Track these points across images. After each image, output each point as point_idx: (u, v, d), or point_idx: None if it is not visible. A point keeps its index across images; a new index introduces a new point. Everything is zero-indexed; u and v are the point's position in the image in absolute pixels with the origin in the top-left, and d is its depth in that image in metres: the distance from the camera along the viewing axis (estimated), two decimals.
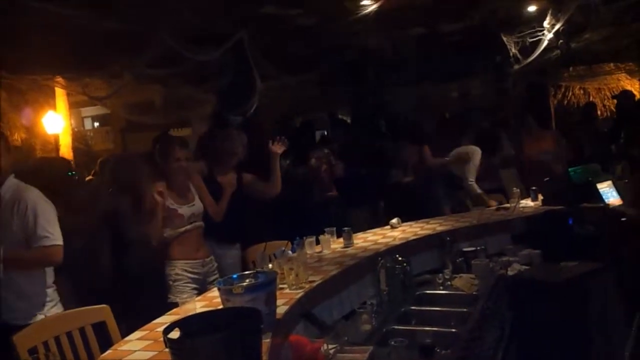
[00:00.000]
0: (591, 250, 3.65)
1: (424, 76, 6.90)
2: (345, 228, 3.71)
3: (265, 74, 4.93)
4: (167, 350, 1.53)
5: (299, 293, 2.59)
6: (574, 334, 2.99)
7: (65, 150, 8.51)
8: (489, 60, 5.92)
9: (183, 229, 3.52)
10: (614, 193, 4.22)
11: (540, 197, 4.54)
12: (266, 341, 1.98)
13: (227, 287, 2.07)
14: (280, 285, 2.70)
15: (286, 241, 3.69)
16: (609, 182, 4.27)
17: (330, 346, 2.33)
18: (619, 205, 4.18)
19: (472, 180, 5.20)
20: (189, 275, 3.48)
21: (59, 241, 2.82)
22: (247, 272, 2.31)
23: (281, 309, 2.35)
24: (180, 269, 3.46)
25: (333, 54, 6.16)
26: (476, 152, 5.28)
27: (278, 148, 4.01)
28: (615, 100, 7.88)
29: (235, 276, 2.25)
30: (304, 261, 2.97)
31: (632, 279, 3.52)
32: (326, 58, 5.98)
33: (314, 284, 2.74)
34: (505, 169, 5.88)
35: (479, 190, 5.21)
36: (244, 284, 2.12)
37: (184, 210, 3.54)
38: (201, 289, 3.45)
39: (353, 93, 7.44)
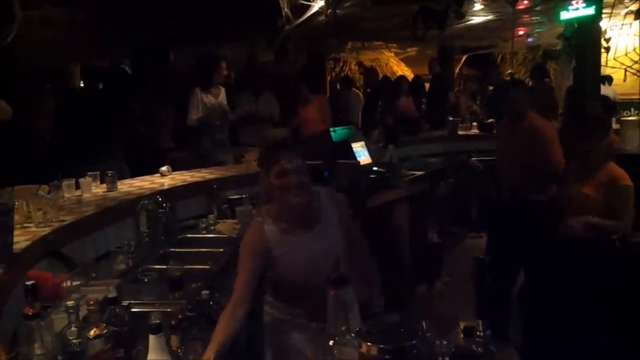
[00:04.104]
0: None
1: (206, 35, 6.84)
2: (109, 172, 3.59)
3: (30, 3, 4.43)
4: None
5: (46, 230, 2.47)
6: None
7: None
8: (270, 23, 6.11)
9: None
10: (366, 153, 4.77)
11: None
12: None
13: None
14: (27, 224, 2.57)
15: (42, 185, 3.45)
16: (362, 143, 4.81)
17: (75, 282, 2.29)
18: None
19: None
20: None
21: None
22: None
23: (22, 244, 2.23)
24: None
25: None
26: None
27: None
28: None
29: None
30: (56, 201, 2.84)
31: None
32: None
33: (65, 223, 2.63)
34: (278, 128, 6.23)
35: None
36: None
37: None
38: None
39: (134, 41, 7.07)
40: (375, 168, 4.72)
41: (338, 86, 10.08)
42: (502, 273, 4.10)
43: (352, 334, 1.13)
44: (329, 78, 11.78)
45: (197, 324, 2.08)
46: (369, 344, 1.09)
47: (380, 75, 10.99)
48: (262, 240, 2.22)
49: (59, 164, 4.20)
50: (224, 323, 2.00)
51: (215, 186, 3.88)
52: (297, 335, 2.29)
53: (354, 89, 9.27)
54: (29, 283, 1.54)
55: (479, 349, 1.17)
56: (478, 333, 1.17)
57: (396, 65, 13.02)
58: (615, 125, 5.81)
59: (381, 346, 1.08)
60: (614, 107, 5.94)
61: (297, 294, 2.29)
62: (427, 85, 8.79)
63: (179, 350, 1.86)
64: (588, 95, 6.37)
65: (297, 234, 2.25)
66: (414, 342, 1.09)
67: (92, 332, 1.57)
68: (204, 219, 3.58)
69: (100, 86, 5.70)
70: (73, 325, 1.61)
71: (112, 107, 5.14)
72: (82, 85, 8.30)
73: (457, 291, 4.74)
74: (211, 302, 2.26)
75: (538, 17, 8.86)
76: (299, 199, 2.18)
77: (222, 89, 5.32)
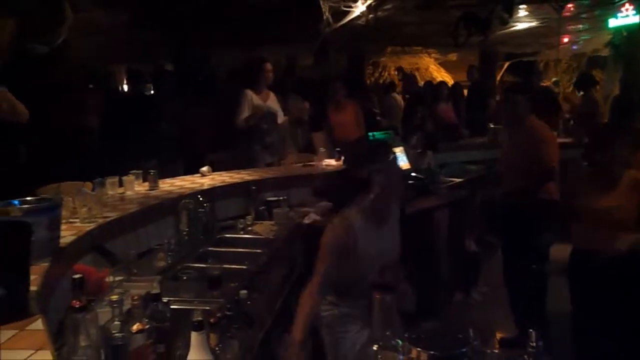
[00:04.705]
0: None
1: (248, 38, 6.90)
2: (151, 171, 3.66)
3: (77, 6, 4.57)
4: None
5: (90, 226, 2.53)
6: None
7: None
8: (311, 27, 6.13)
9: None
10: (404, 158, 4.73)
11: (342, 157, 4.92)
12: (44, 265, 1.94)
13: (3, 208, 1.95)
14: (72, 219, 2.63)
15: (86, 182, 3.55)
16: (401, 148, 4.77)
17: (117, 277, 2.34)
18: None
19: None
20: None
21: None
22: (30, 198, 2.19)
23: (68, 238, 2.29)
24: None
25: None
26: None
27: None
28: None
29: (16, 201, 2.12)
30: (100, 198, 2.90)
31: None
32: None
33: (109, 219, 2.69)
34: (317, 132, 6.23)
35: None
36: (24, 207, 2.01)
37: None
38: None
39: (174, 43, 7.20)
40: (413, 174, 4.68)
41: (380, 91, 10.06)
42: (517, 274, 4.09)
43: (398, 339, 1.12)
44: (368, 83, 11.74)
45: (235, 323, 2.10)
46: (419, 349, 1.07)
47: (420, 81, 10.90)
48: (351, 237, 2.42)
49: (105, 161, 4.33)
50: (309, 305, 2.27)
51: (253, 187, 3.92)
52: (355, 330, 2.46)
53: (394, 94, 9.22)
54: (76, 276, 1.58)
55: None
56: (531, 344, 1.14)
57: (436, 71, 12.91)
58: None
59: (432, 352, 1.07)
60: None
61: (356, 290, 2.43)
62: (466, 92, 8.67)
63: (217, 348, 1.88)
64: (636, 104, 6.18)
65: (377, 229, 2.48)
66: (464, 349, 1.07)
67: (134, 327, 1.60)
68: (242, 220, 3.62)
69: (145, 89, 5.85)
70: (117, 319, 1.64)
71: (156, 109, 5.28)
72: (125, 87, 8.54)
73: (494, 301, 4.65)
74: (249, 302, 2.28)
75: (584, 25, 8.65)
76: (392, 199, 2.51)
77: (272, 93, 5.37)
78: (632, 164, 3.37)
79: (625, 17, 7.01)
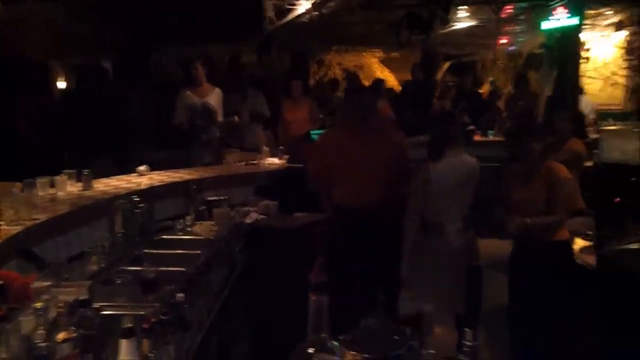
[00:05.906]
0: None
1: (189, 35, 6.78)
2: (85, 171, 3.53)
3: None
4: None
5: (17, 229, 2.41)
6: (298, 272, 3.30)
7: None
8: (255, 25, 6.08)
9: None
10: None
11: (286, 156, 4.90)
12: None
13: None
14: None
15: (16, 182, 3.37)
16: None
17: (45, 283, 2.23)
18: None
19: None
20: None
21: None
22: None
23: None
24: None
25: None
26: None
27: None
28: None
29: None
30: (29, 199, 2.77)
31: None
32: None
33: (37, 222, 2.57)
34: (264, 130, 6.19)
35: None
36: None
37: None
38: None
39: (116, 39, 6.99)
40: None
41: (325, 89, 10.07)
42: None
43: (334, 342, 1.11)
44: (312, 81, 11.73)
45: (171, 328, 2.04)
46: (353, 352, 1.06)
47: (363, 80, 10.95)
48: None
49: (44, 160, 4.15)
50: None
51: (194, 187, 3.84)
52: None
53: (338, 93, 9.26)
54: None
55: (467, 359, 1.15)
56: (467, 343, 1.15)
57: (379, 70, 13.02)
58: (593, 135, 5.89)
59: (366, 356, 1.06)
60: (582, 117, 5.91)
61: None
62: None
63: (151, 355, 1.82)
64: (568, 104, 6.45)
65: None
66: (400, 352, 1.06)
67: (60, 336, 1.52)
68: (181, 220, 3.53)
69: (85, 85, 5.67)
70: (41, 328, 1.56)
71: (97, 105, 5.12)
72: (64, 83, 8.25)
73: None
74: (186, 305, 2.21)
75: (521, 26, 8.96)
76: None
77: (216, 90, 5.26)
78: (549, 157, 3.50)
79: (557, 20, 7.29)
